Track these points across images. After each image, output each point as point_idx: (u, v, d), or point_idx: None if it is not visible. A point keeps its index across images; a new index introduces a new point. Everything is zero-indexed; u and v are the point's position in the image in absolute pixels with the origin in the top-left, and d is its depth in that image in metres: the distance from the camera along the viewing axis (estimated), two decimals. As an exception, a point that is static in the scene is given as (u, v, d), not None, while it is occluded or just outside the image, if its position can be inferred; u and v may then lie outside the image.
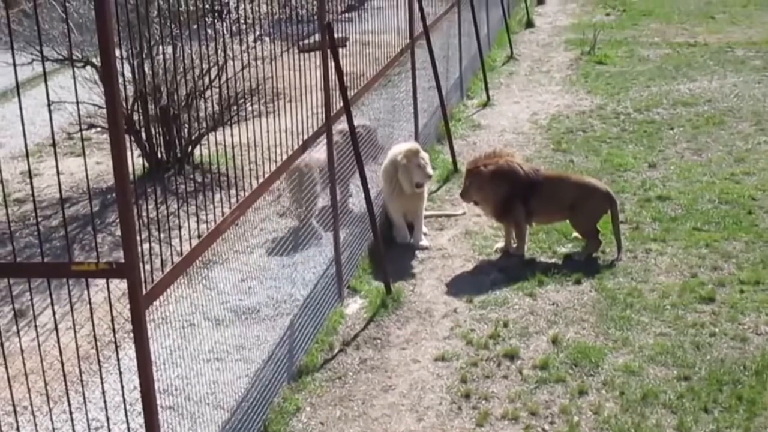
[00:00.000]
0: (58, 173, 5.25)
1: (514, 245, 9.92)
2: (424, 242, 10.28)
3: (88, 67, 11.67)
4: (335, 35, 8.59)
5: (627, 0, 26.60)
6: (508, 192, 9.79)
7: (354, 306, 8.94)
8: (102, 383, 5.81)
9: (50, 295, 5.38)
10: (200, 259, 6.13)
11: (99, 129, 12.71)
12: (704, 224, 10.35)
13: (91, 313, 5.49)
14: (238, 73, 10.07)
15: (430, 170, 10.37)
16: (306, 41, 9.12)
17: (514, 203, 9.79)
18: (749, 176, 11.82)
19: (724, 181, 11.65)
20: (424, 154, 10.34)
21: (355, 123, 9.31)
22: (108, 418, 5.92)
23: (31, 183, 5.50)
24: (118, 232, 6.83)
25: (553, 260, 9.70)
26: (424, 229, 10.49)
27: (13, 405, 5.93)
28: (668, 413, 7.04)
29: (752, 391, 7.24)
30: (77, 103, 5.76)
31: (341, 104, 8.84)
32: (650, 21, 23.20)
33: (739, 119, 14.36)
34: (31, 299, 5.83)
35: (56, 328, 5.53)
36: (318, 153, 8.91)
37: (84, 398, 6.09)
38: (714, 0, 25.73)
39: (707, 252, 9.70)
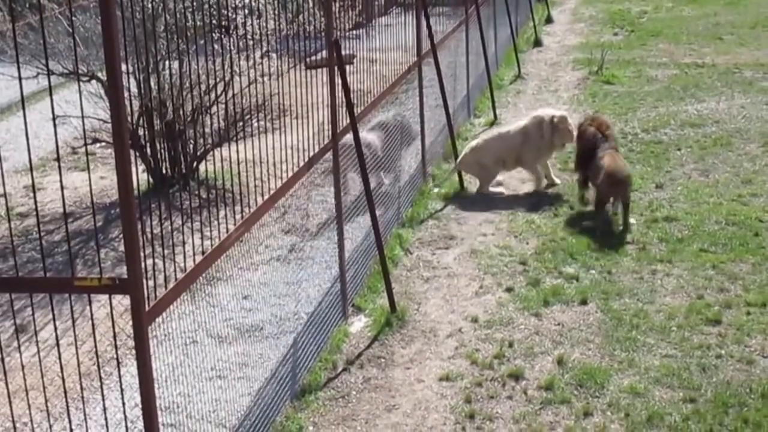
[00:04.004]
0: (62, 187, 5.22)
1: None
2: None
3: (94, 82, 11.67)
4: (343, 52, 8.57)
5: (635, 20, 26.61)
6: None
7: (358, 324, 8.89)
8: (103, 400, 5.78)
9: (52, 310, 5.34)
10: (204, 275, 6.09)
11: (104, 144, 12.72)
12: (711, 245, 10.30)
13: (93, 329, 5.46)
14: (244, 89, 10.06)
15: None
16: (313, 58, 9.10)
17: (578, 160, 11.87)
18: (756, 198, 11.77)
19: (731, 203, 11.60)
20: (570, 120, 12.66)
21: (389, 114, 11.32)
22: (108, 436, 5.88)
23: (35, 197, 5.48)
24: (122, 248, 6.80)
25: (560, 280, 9.63)
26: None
27: (13, 421, 5.88)
28: (674, 436, 6.99)
29: (758, 414, 7.18)
30: (82, 117, 5.73)
31: (348, 121, 8.81)
32: (658, 41, 23.18)
33: (746, 140, 14.31)
34: (33, 314, 5.79)
35: (57, 344, 5.49)
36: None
37: (85, 415, 6.05)
38: (722, 21, 25.72)
39: (714, 273, 9.64)
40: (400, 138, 11.66)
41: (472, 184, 12.65)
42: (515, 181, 12.81)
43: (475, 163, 12.48)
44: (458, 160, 12.66)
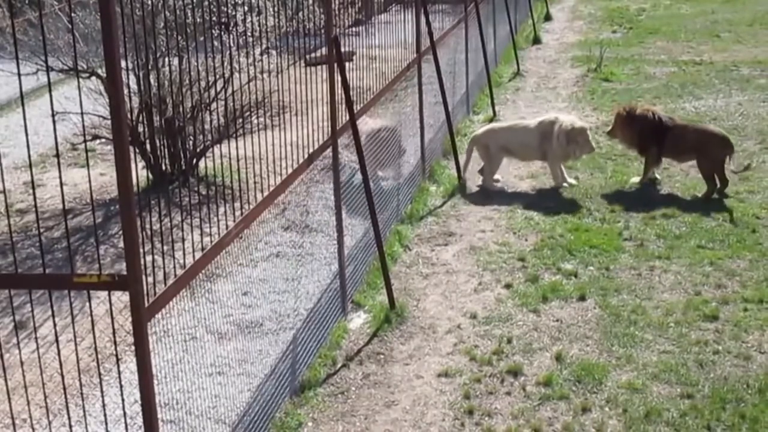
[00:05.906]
0: (61, 184, 5.23)
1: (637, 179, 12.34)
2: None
3: (93, 78, 11.66)
4: (342, 49, 8.58)
5: (634, 18, 26.64)
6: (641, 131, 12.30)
7: (357, 321, 8.91)
8: (102, 396, 5.79)
9: (51, 306, 5.36)
10: (203, 272, 6.10)
11: (103, 140, 12.71)
12: (708, 242, 10.32)
13: (93, 326, 5.47)
14: (244, 85, 10.07)
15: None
16: (313, 55, 9.12)
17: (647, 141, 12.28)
18: (754, 194, 11.80)
19: (728, 199, 11.63)
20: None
21: (378, 124, 11.07)
22: None
23: (34, 193, 5.49)
24: (121, 244, 6.81)
25: (558, 276, 9.65)
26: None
27: (12, 418, 5.90)
28: (671, 431, 7.02)
29: (755, 410, 7.21)
30: (82, 113, 5.75)
31: (347, 118, 8.82)
32: (656, 39, 23.20)
33: (743, 137, 14.33)
34: (32, 311, 5.80)
35: (57, 341, 5.50)
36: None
37: (84, 411, 6.06)
38: (720, 19, 25.75)
39: (711, 270, 9.67)
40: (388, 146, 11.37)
41: (472, 181, 12.67)
42: (513, 178, 12.82)
43: (482, 145, 12.65)
44: (471, 136, 12.93)
